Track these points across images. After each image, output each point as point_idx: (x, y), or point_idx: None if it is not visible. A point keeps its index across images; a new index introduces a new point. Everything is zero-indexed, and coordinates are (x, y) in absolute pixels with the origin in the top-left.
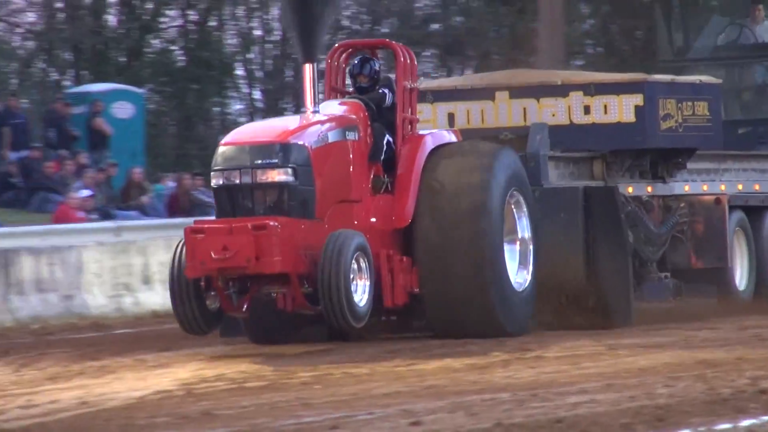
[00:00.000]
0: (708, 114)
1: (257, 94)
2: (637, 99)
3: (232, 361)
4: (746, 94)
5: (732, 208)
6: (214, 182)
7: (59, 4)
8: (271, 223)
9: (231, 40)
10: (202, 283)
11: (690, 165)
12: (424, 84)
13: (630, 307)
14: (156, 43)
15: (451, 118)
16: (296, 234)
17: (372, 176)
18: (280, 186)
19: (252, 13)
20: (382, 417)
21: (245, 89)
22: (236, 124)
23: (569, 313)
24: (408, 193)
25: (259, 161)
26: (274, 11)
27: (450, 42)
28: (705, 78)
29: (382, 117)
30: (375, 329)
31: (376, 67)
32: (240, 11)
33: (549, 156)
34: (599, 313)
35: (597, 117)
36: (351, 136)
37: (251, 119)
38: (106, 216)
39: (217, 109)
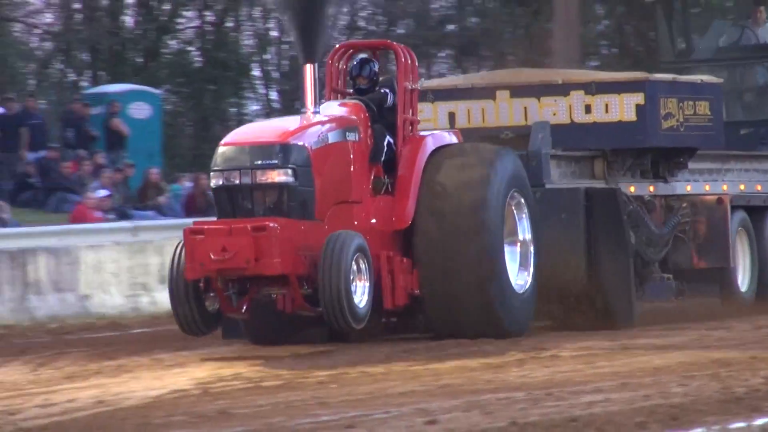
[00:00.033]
0: (709, 114)
1: (274, 95)
2: (638, 98)
3: (248, 360)
4: (748, 95)
5: (734, 208)
6: (213, 183)
7: (77, 5)
8: (271, 225)
9: (248, 41)
10: (201, 285)
11: (692, 165)
12: (425, 83)
13: (632, 308)
14: (173, 44)
15: (451, 117)
16: (296, 235)
17: (372, 177)
18: (280, 187)
19: (269, 14)
20: (397, 416)
21: (262, 90)
22: None
23: (571, 313)
24: (408, 194)
25: (259, 162)
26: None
27: (465, 43)
28: (706, 77)
29: (383, 118)
30: (375, 331)
31: (376, 69)
32: (257, 12)
33: (551, 155)
34: (601, 313)
35: (598, 116)
36: (351, 136)
37: None
38: (123, 216)
39: (233, 109)
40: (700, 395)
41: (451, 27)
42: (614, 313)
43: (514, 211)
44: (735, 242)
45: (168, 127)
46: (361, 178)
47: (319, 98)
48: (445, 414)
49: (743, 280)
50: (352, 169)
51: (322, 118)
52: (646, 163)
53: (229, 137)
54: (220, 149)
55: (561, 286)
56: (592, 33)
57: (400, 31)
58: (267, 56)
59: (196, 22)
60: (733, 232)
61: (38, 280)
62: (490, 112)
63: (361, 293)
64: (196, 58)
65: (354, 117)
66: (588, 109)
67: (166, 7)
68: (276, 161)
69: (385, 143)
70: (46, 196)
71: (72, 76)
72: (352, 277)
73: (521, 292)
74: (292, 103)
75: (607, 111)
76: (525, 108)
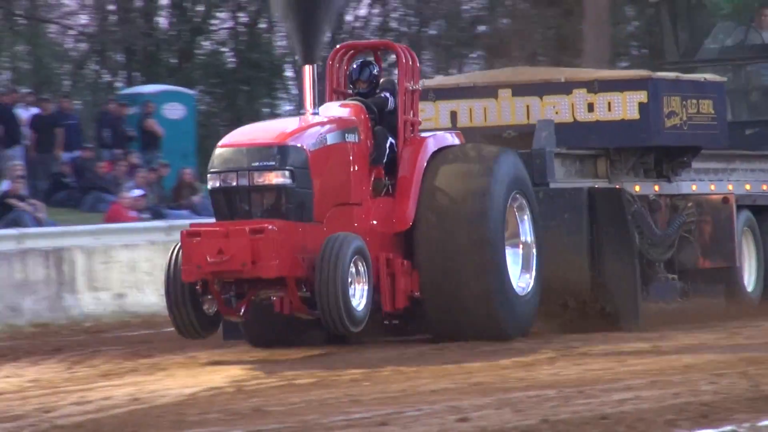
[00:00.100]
0: (713, 112)
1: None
2: (641, 96)
3: (282, 358)
4: (753, 95)
5: (740, 207)
6: (210, 185)
7: (111, 7)
8: (268, 227)
9: (280, 42)
10: (198, 288)
11: (698, 164)
12: (426, 82)
13: (637, 309)
14: (206, 44)
15: (453, 116)
16: (294, 237)
17: (373, 179)
18: (278, 189)
19: None
20: (429, 413)
21: (294, 90)
22: None
23: (574, 314)
24: (409, 196)
25: (256, 163)
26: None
27: (496, 44)
28: (709, 76)
29: (385, 120)
30: (375, 333)
31: (375, 72)
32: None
33: (555, 153)
34: (606, 314)
35: (601, 114)
36: (351, 138)
37: None
38: (157, 215)
39: (266, 110)
40: (729, 393)
41: (482, 28)
42: (619, 314)
43: (516, 213)
44: (741, 242)
45: (202, 127)
46: (360, 180)
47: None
48: (476, 411)
49: (749, 279)
50: (351, 170)
51: (321, 120)
52: (649, 162)
53: (227, 139)
54: (218, 151)
55: (564, 287)
56: (622, 34)
57: (432, 32)
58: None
59: (229, 23)
60: (739, 231)
61: (73, 279)
62: (492, 110)
63: (359, 296)
64: (230, 59)
65: (354, 118)
66: (591, 107)
67: (200, 8)
68: (273, 163)
69: (387, 145)
70: (81, 195)
71: (107, 77)
72: (350, 280)
73: (523, 294)
74: (323, 103)
75: (609, 109)
76: (527, 106)
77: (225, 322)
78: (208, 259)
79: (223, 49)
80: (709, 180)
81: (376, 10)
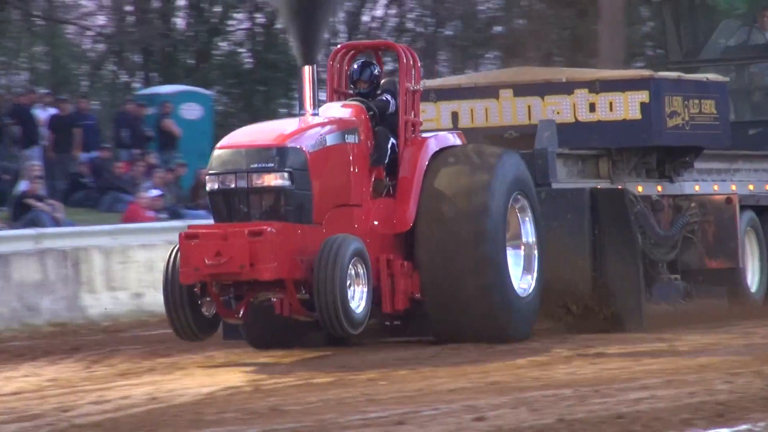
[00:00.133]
0: (715, 112)
1: (323, 96)
2: (643, 96)
3: (299, 357)
4: (756, 95)
5: (743, 208)
6: (209, 186)
7: (129, 8)
8: (267, 229)
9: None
10: (196, 290)
11: (701, 165)
12: (427, 82)
13: (641, 310)
14: (224, 45)
15: (454, 116)
16: (292, 239)
17: (374, 180)
18: (276, 190)
19: None
20: (446, 412)
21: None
22: None
23: (577, 315)
24: (409, 197)
25: (255, 165)
26: (340, 14)
27: (512, 44)
28: (712, 76)
29: (386, 121)
30: (376, 334)
31: (376, 72)
32: None
33: (557, 153)
34: (608, 315)
35: (602, 114)
36: (350, 139)
37: None
38: (175, 215)
39: (284, 110)
40: (745, 392)
41: (498, 28)
42: (622, 314)
43: (518, 214)
44: (744, 242)
45: (219, 127)
46: (361, 181)
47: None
48: (493, 411)
49: (753, 280)
50: (351, 171)
51: (320, 121)
52: (651, 162)
53: (226, 140)
54: (216, 152)
55: (566, 288)
56: (637, 34)
57: (448, 32)
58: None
59: (246, 24)
60: (742, 232)
61: (91, 279)
62: (494, 111)
63: (358, 298)
64: (247, 60)
65: (354, 119)
66: (592, 107)
67: (217, 9)
68: (272, 164)
69: (389, 145)
70: (99, 195)
71: (124, 78)
72: (349, 282)
73: (524, 295)
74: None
75: (611, 109)
76: (529, 107)
77: (225, 323)
78: (206, 261)
79: (240, 50)
80: (712, 180)
81: (392, 11)
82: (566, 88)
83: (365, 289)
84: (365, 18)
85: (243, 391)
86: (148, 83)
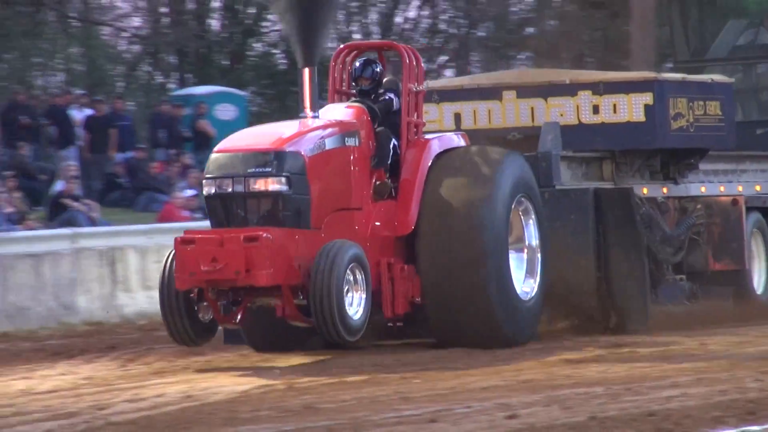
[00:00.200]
0: (720, 114)
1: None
2: (647, 98)
3: (332, 356)
4: (764, 94)
5: (749, 209)
6: (206, 191)
7: (164, 9)
8: (263, 235)
9: (330, 44)
10: (193, 295)
11: (707, 166)
12: (430, 83)
13: (646, 311)
14: (258, 46)
15: (457, 118)
16: (290, 245)
17: (375, 182)
18: (274, 195)
19: (351, 18)
20: (479, 410)
21: None
22: None
23: (581, 316)
24: (411, 199)
25: (252, 170)
26: (373, 15)
27: (544, 45)
28: (717, 77)
29: (389, 121)
30: (376, 336)
31: (378, 70)
32: (340, 15)
33: (561, 156)
34: (613, 316)
35: (606, 116)
36: (351, 141)
37: None
38: None
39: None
40: None
41: (530, 29)
42: (627, 315)
43: (521, 217)
44: (750, 244)
45: None
46: (361, 184)
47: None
48: (525, 408)
49: (759, 282)
50: (351, 175)
51: (320, 123)
52: (655, 165)
53: (223, 143)
54: (213, 156)
55: (570, 288)
56: (668, 35)
57: (481, 33)
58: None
59: (280, 26)
60: (748, 233)
61: (127, 278)
62: (497, 112)
63: (356, 305)
64: (281, 61)
65: (355, 121)
66: (596, 109)
67: (252, 10)
68: (270, 169)
69: (391, 146)
70: (134, 195)
71: (159, 79)
72: (347, 288)
73: (526, 299)
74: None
75: (615, 111)
76: (532, 108)
77: (217, 331)
78: (202, 267)
79: (274, 51)
80: (719, 182)
81: (425, 12)
82: (570, 89)
83: (363, 296)
84: (398, 19)
85: (277, 389)
86: (183, 84)
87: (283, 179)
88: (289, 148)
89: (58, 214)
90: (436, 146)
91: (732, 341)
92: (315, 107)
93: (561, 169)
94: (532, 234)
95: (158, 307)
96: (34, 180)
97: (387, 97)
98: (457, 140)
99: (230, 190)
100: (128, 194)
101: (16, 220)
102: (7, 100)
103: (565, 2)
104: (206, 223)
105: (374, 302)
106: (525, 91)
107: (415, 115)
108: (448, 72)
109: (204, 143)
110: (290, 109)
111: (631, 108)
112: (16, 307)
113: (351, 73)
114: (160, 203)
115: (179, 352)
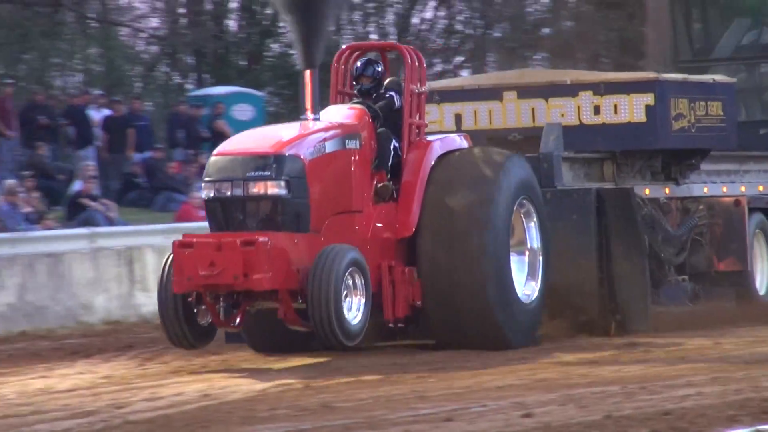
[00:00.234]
0: (722, 114)
1: None
2: (648, 98)
3: (350, 355)
4: (767, 94)
5: (752, 210)
6: (204, 194)
7: (182, 10)
8: (261, 239)
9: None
10: (191, 299)
11: (710, 166)
12: (431, 84)
13: (647, 312)
14: (275, 47)
15: (458, 118)
16: (288, 249)
17: (376, 184)
18: (273, 199)
19: (368, 18)
20: (495, 409)
21: None
22: None
23: (582, 317)
24: (412, 201)
25: (252, 173)
26: (390, 16)
27: (560, 46)
28: (719, 77)
29: (391, 122)
30: (378, 338)
31: (379, 69)
32: (356, 16)
33: (563, 157)
34: (615, 317)
35: (607, 117)
36: (351, 144)
37: None
38: None
39: None
40: None
41: (546, 30)
42: (628, 316)
43: (523, 219)
44: (753, 244)
45: None
46: (362, 187)
47: (322, 101)
48: (540, 407)
49: (762, 282)
50: (351, 178)
51: (320, 126)
52: (656, 165)
53: (223, 146)
54: (212, 159)
55: (572, 289)
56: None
57: (497, 34)
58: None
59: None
60: (751, 234)
61: (144, 278)
62: (497, 113)
63: (355, 309)
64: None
65: (356, 123)
66: (597, 110)
67: (269, 11)
68: (269, 173)
69: (392, 147)
70: (152, 195)
71: (177, 79)
72: (345, 293)
73: (527, 302)
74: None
75: (616, 112)
76: (532, 109)
77: (216, 333)
78: (200, 271)
79: (292, 52)
80: (721, 182)
81: (441, 13)
82: (570, 90)
83: (362, 300)
84: (415, 20)
85: (294, 388)
86: (200, 84)
87: (283, 183)
88: (288, 152)
89: (76, 213)
90: (438, 148)
91: (746, 341)
92: (316, 109)
93: (563, 171)
94: (533, 236)
95: None
96: (53, 180)
97: (388, 96)
98: (460, 142)
99: (229, 193)
100: (146, 194)
101: (35, 219)
102: (25, 101)
103: (580, 3)
104: None
105: (375, 305)
106: (526, 91)
107: (417, 116)
108: (464, 72)
109: (221, 143)
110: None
111: (632, 108)
112: (34, 307)
113: (352, 72)
114: (177, 203)
115: (196, 351)
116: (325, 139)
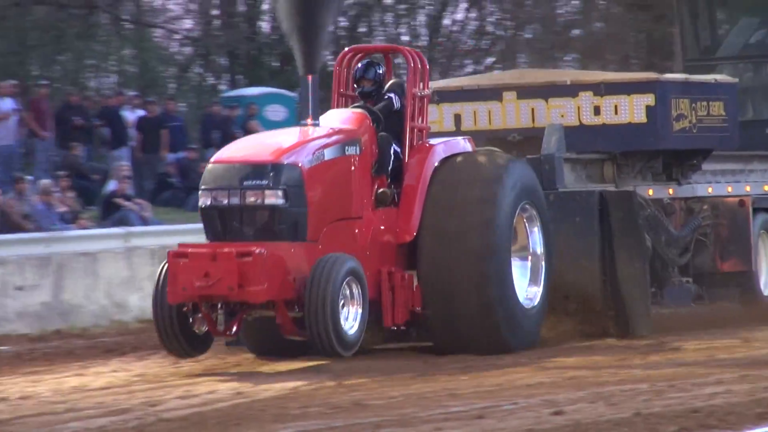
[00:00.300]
0: (724, 114)
1: None
2: (649, 99)
3: (380, 353)
4: None
5: (756, 210)
6: (201, 202)
7: (215, 12)
8: (257, 250)
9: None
10: (186, 309)
11: (714, 166)
12: (430, 84)
13: (649, 314)
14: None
15: (457, 119)
16: (284, 259)
17: (377, 189)
18: (270, 208)
19: (400, 20)
20: (525, 407)
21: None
22: None
23: (585, 319)
24: (413, 206)
25: (249, 182)
26: (421, 17)
27: (590, 47)
28: (720, 77)
29: (391, 124)
30: (377, 340)
31: (381, 72)
32: (388, 18)
33: (564, 158)
34: (616, 319)
35: (607, 118)
36: (351, 150)
37: None
38: None
39: None
40: None
41: (576, 31)
42: (630, 318)
43: (526, 224)
44: (757, 245)
45: None
46: (361, 193)
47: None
48: (571, 405)
49: (766, 283)
50: (351, 184)
51: (319, 133)
52: (657, 166)
53: (220, 154)
54: (209, 166)
55: (575, 291)
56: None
57: (528, 35)
58: (398, 60)
59: (329, 28)
60: (756, 234)
61: None
62: (497, 113)
63: (352, 319)
64: (330, 62)
65: (356, 128)
66: (597, 110)
67: None
68: (266, 182)
69: (392, 152)
70: (185, 195)
71: (211, 80)
72: (342, 302)
73: (529, 307)
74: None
75: (616, 112)
76: (532, 109)
77: (213, 342)
78: (195, 282)
79: (323, 52)
80: (726, 182)
81: (472, 14)
82: (570, 90)
83: (359, 310)
84: (446, 21)
85: (326, 386)
86: (233, 85)
87: (280, 192)
88: (286, 160)
89: (110, 213)
90: (440, 151)
91: None
92: (316, 115)
93: (564, 172)
94: (536, 241)
95: None
96: (87, 180)
97: (387, 97)
98: (463, 145)
99: (226, 202)
100: (179, 194)
101: (70, 219)
102: (60, 102)
103: (610, 4)
104: None
105: (375, 310)
106: (525, 91)
107: (420, 119)
108: (496, 74)
109: (219, 150)
110: None
111: (633, 109)
112: (69, 305)
113: (353, 75)
114: None
115: (229, 349)
116: (323, 146)
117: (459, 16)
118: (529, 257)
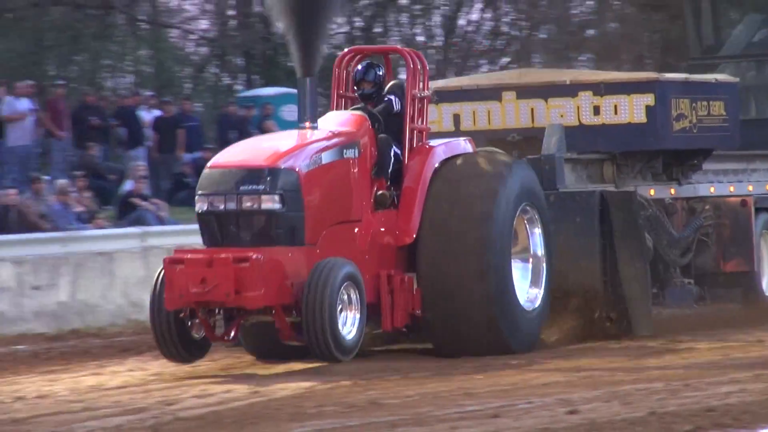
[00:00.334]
0: (724, 113)
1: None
2: (648, 99)
3: (396, 352)
4: None
5: (759, 210)
6: (198, 207)
7: (231, 12)
8: (254, 256)
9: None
10: (183, 315)
11: (716, 166)
12: (429, 84)
13: (650, 314)
14: (323, 48)
15: (456, 119)
16: (282, 264)
17: (376, 192)
18: (267, 213)
19: (415, 20)
20: (540, 406)
21: None
22: None
23: (585, 320)
24: (413, 208)
25: (245, 187)
26: (437, 18)
27: (605, 47)
28: (721, 77)
29: (391, 126)
30: (377, 342)
31: (380, 73)
32: (404, 18)
33: (564, 158)
34: (617, 320)
35: (607, 118)
36: (350, 153)
37: None
38: None
39: None
40: None
41: (591, 32)
42: (631, 319)
43: (527, 226)
44: (760, 245)
45: None
46: (360, 196)
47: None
48: (586, 404)
49: None
50: (349, 187)
51: (317, 136)
52: (657, 166)
53: (217, 158)
54: (206, 171)
55: (575, 292)
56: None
57: (543, 35)
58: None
59: (345, 28)
60: (758, 234)
61: None
62: (496, 113)
63: (350, 324)
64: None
65: (354, 130)
66: (596, 110)
67: None
68: (263, 187)
69: (392, 154)
70: None
71: (226, 80)
72: (340, 307)
73: (530, 310)
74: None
75: (616, 112)
76: (532, 109)
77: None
78: (191, 288)
79: (339, 53)
80: (728, 182)
81: (487, 15)
82: (570, 90)
83: (357, 315)
84: (461, 22)
85: (342, 385)
86: (249, 86)
87: (277, 197)
88: (283, 165)
89: (127, 213)
90: (441, 153)
91: None
92: (314, 118)
93: (565, 173)
94: (537, 243)
95: None
96: (104, 180)
97: (386, 99)
98: (464, 146)
99: (222, 207)
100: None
101: (86, 219)
102: (77, 102)
103: (625, 5)
104: None
105: (374, 314)
106: (525, 91)
107: (420, 120)
108: (495, 73)
109: (216, 155)
110: None
111: (633, 109)
112: (86, 305)
113: (353, 77)
114: None
115: (245, 349)
116: (321, 150)
117: (474, 16)
118: (530, 259)
